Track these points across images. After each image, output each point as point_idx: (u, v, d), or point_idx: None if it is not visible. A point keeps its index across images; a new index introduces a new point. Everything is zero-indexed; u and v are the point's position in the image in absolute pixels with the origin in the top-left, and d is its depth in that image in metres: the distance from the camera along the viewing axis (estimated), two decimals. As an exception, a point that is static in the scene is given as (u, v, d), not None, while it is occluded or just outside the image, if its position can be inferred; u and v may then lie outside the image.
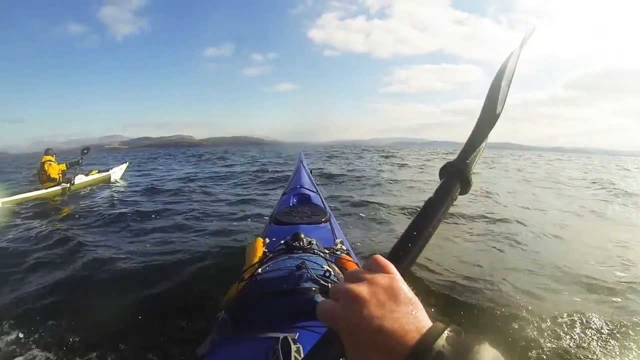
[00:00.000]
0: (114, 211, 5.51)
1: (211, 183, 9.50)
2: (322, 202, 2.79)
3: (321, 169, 11.81)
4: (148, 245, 3.69)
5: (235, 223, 4.43)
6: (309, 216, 2.27)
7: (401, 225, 4.08)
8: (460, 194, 0.47)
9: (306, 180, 3.27)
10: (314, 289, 1.18)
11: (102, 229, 4.56)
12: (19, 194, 7.16)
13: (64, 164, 8.07)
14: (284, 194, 3.12)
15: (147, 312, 2.26)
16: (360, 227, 4.18)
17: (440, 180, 0.47)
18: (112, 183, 9.64)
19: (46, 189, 7.48)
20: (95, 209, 5.87)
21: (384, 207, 5.46)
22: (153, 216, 5.14)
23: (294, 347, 0.97)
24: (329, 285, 1.19)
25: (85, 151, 8.48)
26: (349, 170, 12.22)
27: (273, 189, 7.76)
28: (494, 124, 0.50)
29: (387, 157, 22.47)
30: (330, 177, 9.84)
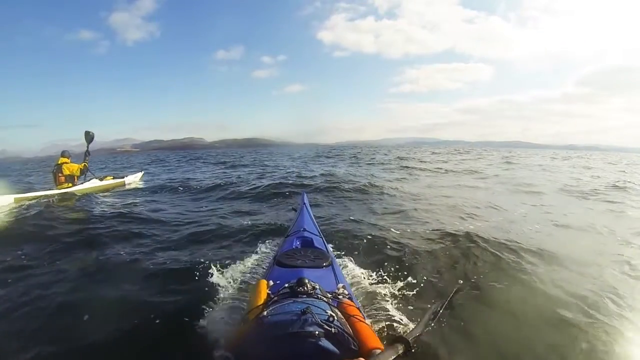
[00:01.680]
0: (124, 215, 5.33)
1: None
2: (325, 245, 2.83)
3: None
4: (155, 258, 3.45)
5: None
6: (311, 260, 2.31)
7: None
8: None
9: (309, 223, 3.32)
10: (317, 333, 1.22)
11: (109, 233, 4.37)
12: (33, 192, 7.32)
13: (83, 164, 8.09)
14: (287, 235, 3.13)
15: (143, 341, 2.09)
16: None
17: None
18: (127, 186, 9.58)
19: (63, 189, 7.57)
20: (103, 212, 5.62)
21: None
22: (166, 224, 4.86)
23: None
24: (332, 330, 1.25)
25: (91, 135, 8.16)
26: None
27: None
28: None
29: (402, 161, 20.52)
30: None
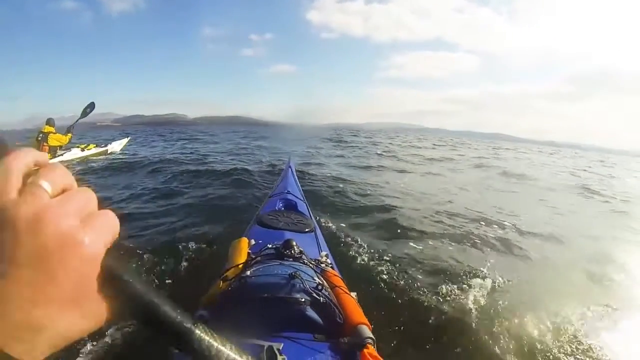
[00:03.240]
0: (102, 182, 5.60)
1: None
2: (308, 211, 2.75)
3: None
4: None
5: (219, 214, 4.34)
6: (294, 223, 2.23)
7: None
8: None
9: (293, 186, 3.24)
10: (304, 300, 1.17)
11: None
12: None
13: (69, 135, 7.83)
14: (270, 196, 3.10)
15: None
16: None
17: None
18: (108, 155, 9.41)
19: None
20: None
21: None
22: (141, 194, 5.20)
23: (279, 358, 0.96)
24: (321, 299, 1.19)
25: (89, 110, 7.63)
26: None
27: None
28: None
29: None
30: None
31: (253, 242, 1.76)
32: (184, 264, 2.74)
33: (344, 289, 1.40)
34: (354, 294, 1.42)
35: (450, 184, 8.14)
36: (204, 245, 3.03)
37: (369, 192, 6.08)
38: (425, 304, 2.50)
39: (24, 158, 0.25)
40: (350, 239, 3.46)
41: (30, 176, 0.25)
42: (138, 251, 2.88)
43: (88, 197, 0.27)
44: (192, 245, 2.99)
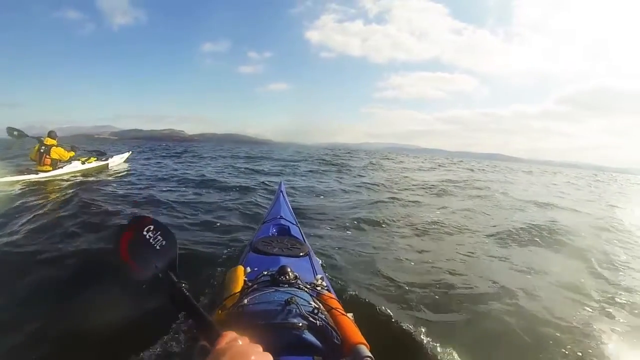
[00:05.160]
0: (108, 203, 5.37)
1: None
2: (302, 235, 2.79)
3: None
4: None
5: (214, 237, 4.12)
6: (288, 248, 2.26)
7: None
8: None
9: (286, 211, 3.27)
10: (301, 324, 1.19)
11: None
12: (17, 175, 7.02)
13: (72, 153, 8.06)
14: (263, 222, 3.11)
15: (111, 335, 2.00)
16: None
17: None
18: (110, 170, 9.47)
19: (45, 172, 7.42)
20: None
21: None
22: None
23: None
24: (317, 322, 1.21)
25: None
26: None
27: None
28: None
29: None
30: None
31: (249, 269, 1.77)
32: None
33: (341, 311, 1.42)
34: (350, 315, 1.44)
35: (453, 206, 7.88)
36: (198, 273, 2.85)
37: (362, 215, 5.91)
38: (423, 319, 2.52)
39: None
40: (343, 261, 3.53)
41: None
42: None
43: None
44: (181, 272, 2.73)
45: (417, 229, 5.11)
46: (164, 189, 7.37)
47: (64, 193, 6.09)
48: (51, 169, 7.59)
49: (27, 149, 8.23)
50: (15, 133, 7.79)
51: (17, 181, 6.78)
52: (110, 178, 8.39)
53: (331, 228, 4.86)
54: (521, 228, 5.49)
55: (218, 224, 4.62)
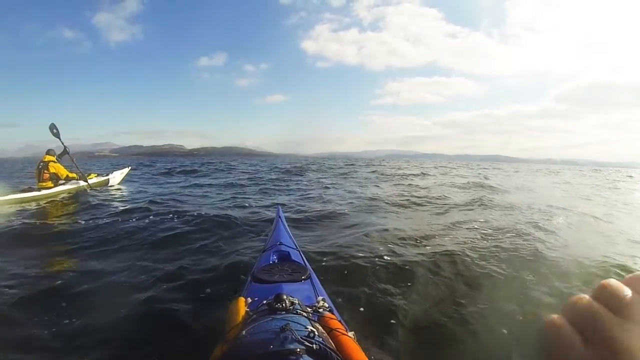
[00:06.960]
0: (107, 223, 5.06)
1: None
2: (302, 258, 2.79)
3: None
4: (139, 274, 3.26)
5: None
6: (289, 274, 2.26)
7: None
8: None
9: (285, 236, 3.27)
10: (299, 350, 1.17)
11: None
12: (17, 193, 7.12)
13: (72, 174, 8.19)
14: (263, 250, 3.09)
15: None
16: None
17: None
18: (110, 187, 9.38)
19: (45, 189, 7.49)
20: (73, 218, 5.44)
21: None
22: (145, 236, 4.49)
23: None
24: (314, 346, 1.20)
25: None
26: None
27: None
28: None
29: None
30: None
31: (249, 299, 1.75)
32: (183, 331, 2.52)
33: (341, 331, 1.42)
34: (351, 334, 1.43)
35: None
36: (200, 307, 2.81)
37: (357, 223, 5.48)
38: (426, 334, 2.43)
39: None
40: (343, 279, 3.34)
41: None
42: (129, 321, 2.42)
43: None
44: (183, 307, 2.77)
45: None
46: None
47: (61, 212, 6.07)
48: (52, 185, 7.64)
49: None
50: (55, 131, 8.22)
51: (20, 199, 6.87)
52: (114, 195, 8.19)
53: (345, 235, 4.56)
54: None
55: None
